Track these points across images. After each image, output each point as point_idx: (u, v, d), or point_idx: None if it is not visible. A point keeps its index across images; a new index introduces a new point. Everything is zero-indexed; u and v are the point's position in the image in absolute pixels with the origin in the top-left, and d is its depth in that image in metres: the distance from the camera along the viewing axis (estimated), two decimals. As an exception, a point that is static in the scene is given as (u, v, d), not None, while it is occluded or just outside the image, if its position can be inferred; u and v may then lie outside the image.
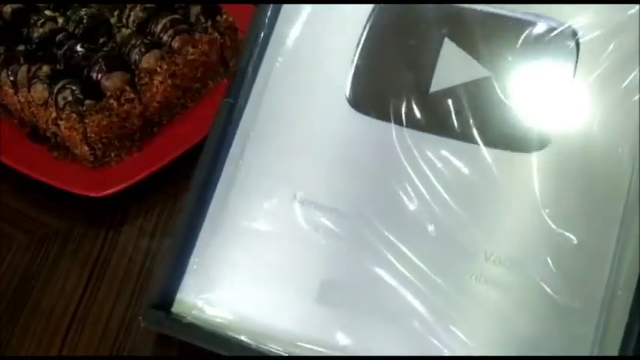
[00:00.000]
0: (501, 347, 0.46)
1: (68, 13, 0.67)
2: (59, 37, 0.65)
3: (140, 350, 0.53)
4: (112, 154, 0.62)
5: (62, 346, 0.53)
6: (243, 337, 0.49)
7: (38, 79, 0.62)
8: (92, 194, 0.59)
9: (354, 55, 0.52)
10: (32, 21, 0.66)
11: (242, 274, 0.51)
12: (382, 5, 0.53)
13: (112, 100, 0.61)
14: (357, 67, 0.52)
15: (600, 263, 0.45)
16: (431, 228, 0.48)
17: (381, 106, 0.51)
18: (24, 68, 0.63)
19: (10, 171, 0.62)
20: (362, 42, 0.52)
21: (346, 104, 0.52)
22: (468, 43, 0.50)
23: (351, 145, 0.51)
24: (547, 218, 0.46)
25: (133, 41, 0.63)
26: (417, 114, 0.50)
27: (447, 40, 0.51)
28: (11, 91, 0.63)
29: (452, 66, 0.50)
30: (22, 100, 0.63)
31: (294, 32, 0.54)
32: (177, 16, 0.65)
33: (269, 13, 0.54)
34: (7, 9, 0.68)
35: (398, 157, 0.50)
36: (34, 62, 0.63)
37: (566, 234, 0.46)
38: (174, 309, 0.51)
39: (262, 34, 0.54)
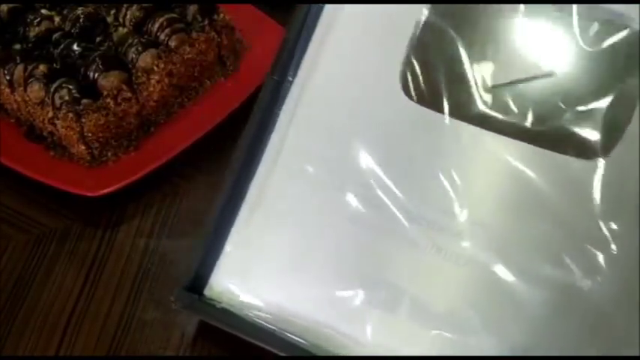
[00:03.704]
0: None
1: (65, 12, 0.66)
2: (56, 36, 0.65)
3: (138, 350, 0.52)
4: (109, 154, 0.62)
5: (60, 346, 0.53)
6: (275, 327, 0.48)
7: (35, 78, 0.62)
8: (89, 194, 0.59)
9: (410, 41, 0.50)
10: (29, 20, 0.66)
11: (278, 261, 0.49)
12: None
13: (108, 100, 0.60)
14: (412, 54, 0.49)
15: None
16: (478, 229, 0.46)
17: (436, 96, 0.48)
18: (20, 67, 0.62)
19: (7, 170, 0.62)
20: (418, 30, 0.49)
21: (400, 92, 0.49)
22: (530, 38, 0.48)
23: (402, 135, 0.49)
24: (604, 230, 0.44)
25: (130, 40, 0.63)
26: (475, 108, 0.48)
27: (508, 32, 0.48)
28: (8, 90, 0.63)
29: (513, 60, 0.48)
30: (19, 99, 0.63)
31: (346, 11, 0.51)
32: (174, 15, 0.65)
33: None
34: (4, 8, 0.67)
35: (450, 151, 0.47)
36: (30, 61, 0.62)
37: (623, 249, 0.44)
38: (207, 292, 0.50)
39: (312, 11, 0.51)
